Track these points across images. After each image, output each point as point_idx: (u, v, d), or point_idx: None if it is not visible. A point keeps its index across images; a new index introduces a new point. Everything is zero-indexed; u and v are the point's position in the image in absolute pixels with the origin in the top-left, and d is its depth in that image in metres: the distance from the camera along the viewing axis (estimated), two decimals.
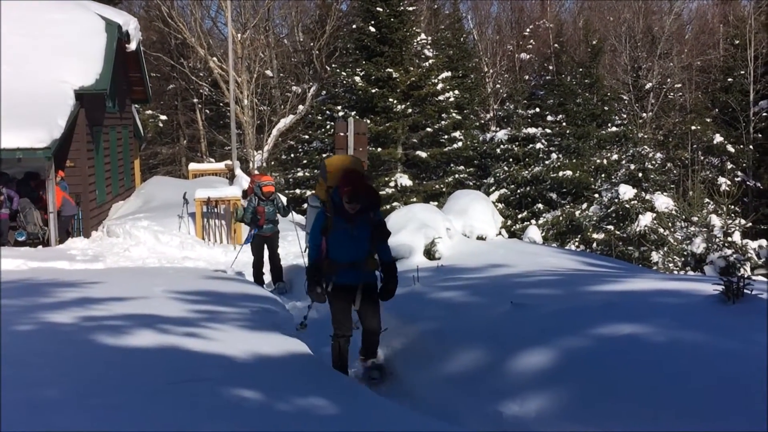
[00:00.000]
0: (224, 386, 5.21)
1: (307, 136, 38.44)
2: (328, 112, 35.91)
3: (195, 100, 43.32)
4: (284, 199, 15.63)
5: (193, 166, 30.17)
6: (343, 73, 34.62)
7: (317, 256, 6.98)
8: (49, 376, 5.08)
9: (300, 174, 35.93)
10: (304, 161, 37.02)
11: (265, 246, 14.12)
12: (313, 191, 6.62)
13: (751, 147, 36.85)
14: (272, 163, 38.64)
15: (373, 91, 32.86)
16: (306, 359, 6.94)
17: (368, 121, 29.60)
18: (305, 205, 19.70)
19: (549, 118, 37.72)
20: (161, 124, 44.27)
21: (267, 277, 14.52)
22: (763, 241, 25.76)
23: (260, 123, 37.85)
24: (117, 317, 7.45)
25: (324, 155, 34.87)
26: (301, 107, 38.29)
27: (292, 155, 40.00)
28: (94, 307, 8.02)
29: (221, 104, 41.10)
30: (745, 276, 7.24)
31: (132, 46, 22.67)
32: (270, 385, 5.49)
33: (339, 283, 7.03)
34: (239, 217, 14.20)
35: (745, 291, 6.63)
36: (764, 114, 37.08)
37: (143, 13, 41.59)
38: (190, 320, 7.66)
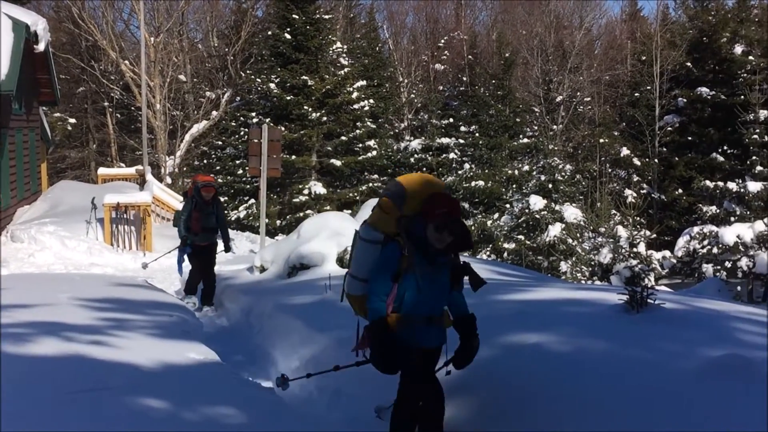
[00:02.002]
0: (129, 395, 5.11)
1: (220, 142, 38.06)
2: (242, 118, 35.63)
3: (106, 104, 42.45)
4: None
5: (102, 171, 29.53)
6: (258, 80, 34.41)
7: (383, 309, 5.02)
8: None
9: (212, 177, 35.47)
10: (218, 167, 36.64)
11: (199, 258, 12.34)
12: (366, 221, 4.30)
13: (656, 160, 37.87)
14: (184, 169, 38.14)
15: (288, 98, 32.72)
16: (215, 367, 6.85)
17: (282, 129, 29.42)
18: None
19: (462, 128, 38.17)
20: (70, 128, 43.20)
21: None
22: (666, 252, 26.54)
23: (173, 128, 37.31)
24: (20, 325, 7.25)
25: (238, 161, 34.61)
26: (214, 113, 37.89)
27: (205, 161, 39.55)
28: None
29: (133, 108, 40.36)
30: (649, 286, 7.42)
31: (40, 46, 22.09)
32: (177, 393, 5.41)
33: (414, 345, 5.15)
34: (175, 221, 13.09)
35: (649, 300, 6.80)
36: (669, 128, 38.16)
37: (53, 13, 40.58)
38: (96, 328, 7.50)
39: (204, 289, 12.45)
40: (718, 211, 24.27)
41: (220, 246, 12.85)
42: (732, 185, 24.00)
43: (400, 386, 5.31)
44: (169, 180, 33.80)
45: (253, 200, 32.70)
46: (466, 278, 5.36)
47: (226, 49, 39.41)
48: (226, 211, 12.40)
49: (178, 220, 12.62)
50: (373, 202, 17.65)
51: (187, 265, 12.59)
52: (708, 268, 23.28)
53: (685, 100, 37.67)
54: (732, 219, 23.63)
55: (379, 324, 4.97)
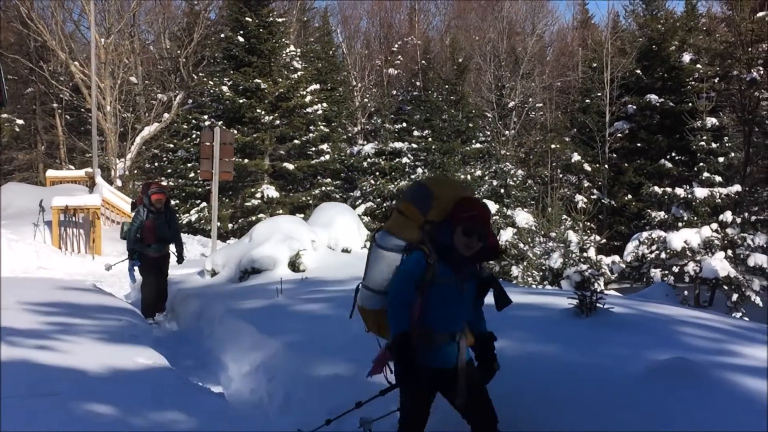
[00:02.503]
0: (76, 401, 5.05)
1: (172, 145, 37.70)
2: (194, 121, 35.36)
3: (55, 105, 41.86)
4: None
5: (51, 173, 29.09)
6: (211, 83, 34.15)
7: (407, 324, 4.49)
8: None
9: (164, 183, 35.21)
10: (169, 170, 36.31)
11: (152, 270, 11.78)
12: (382, 226, 5.03)
13: (606, 166, 38.25)
14: (135, 171, 37.71)
15: (241, 101, 32.54)
16: (164, 372, 6.78)
17: (235, 132, 29.28)
18: None
19: (415, 133, 38.25)
20: (17, 129, 42.51)
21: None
22: (616, 257, 26.81)
23: (123, 130, 36.88)
24: None
25: (189, 164, 34.35)
26: (166, 115, 37.54)
27: (157, 164, 39.18)
28: None
29: (83, 110, 39.81)
30: (599, 290, 7.52)
31: None
32: (124, 399, 5.34)
33: (434, 366, 4.67)
34: (123, 234, 12.07)
35: (598, 305, 6.88)
36: (619, 135, 38.59)
37: (0, 13, 39.93)
38: (42, 332, 7.39)
39: (156, 296, 11.97)
40: (666, 216, 24.54)
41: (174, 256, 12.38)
42: (680, 191, 24.31)
43: (404, 404, 4.83)
44: (119, 183, 33.39)
45: (204, 203, 32.46)
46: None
47: (179, 51, 39.09)
48: (177, 215, 11.53)
49: (126, 232, 11.85)
50: (327, 206, 17.64)
51: (140, 278, 12.01)
52: (656, 273, 23.60)
53: (634, 107, 38.11)
54: (680, 224, 23.91)
55: (406, 342, 4.43)
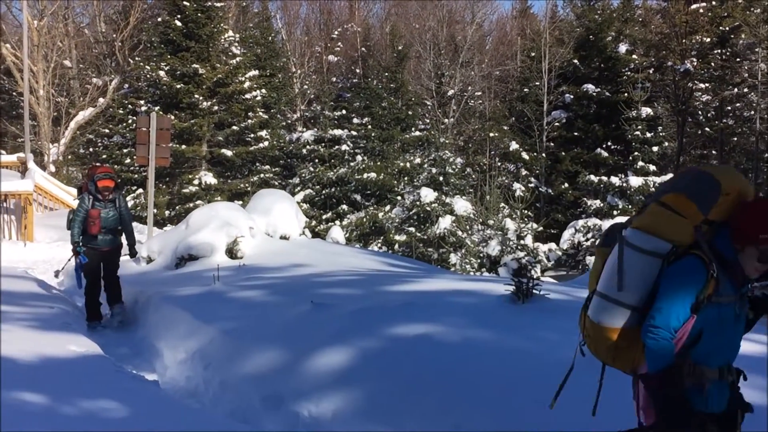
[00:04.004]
0: (6, 390, 4.93)
1: (107, 130, 37.10)
2: (130, 106, 34.83)
3: None
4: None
5: None
6: (147, 67, 33.64)
7: (672, 355, 3.43)
8: None
9: (110, 167, 34.59)
10: (104, 156, 35.71)
11: (101, 265, 10.32)
12: (635, 224, 3.58)
13: (543, 155, 38.68)
14: (69, 157, 37.01)
15: (178, 86, 32.12)
16: (96, 360, 6.69)
17: (172, 117, 28.88)
18: None
19: (355, 120, 38.25)
20: None
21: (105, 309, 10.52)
22: (552, 245, 27.22)
23: (57, 115, 36.12)
24: None
25: (126, 150, 33.84)
26: (101, 100, 36.86)
27: (92, 149, 38.50)
28: None
29: (14, 93, 38.92)
30: (535, 277, 7.59)
31: None
32: (55, 387, 5.24)
33: (714, 411, 3.56)
34: (67, 223, 10.48)
35: (534, 291, 6.97)
36: (556, 124, 39.04)
37: None
38: None
39: (107, 289, 10.40)
40: (601, 205, 24.99)
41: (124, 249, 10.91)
42: (615, 180, 24.75)
43: None
44: (52, 168, 32.73)
45: (141, 190, 32.00)
46: None
47: (114, 35, 38.37)
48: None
49: (71, 221, 10.30)
50: (265, 192, 17.54)
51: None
52: (591, 260, 23.97)
53: (572, 97, 38.58)
54: (615, 213, 24.36)
55: (676, 377, 3.40)
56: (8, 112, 41.73)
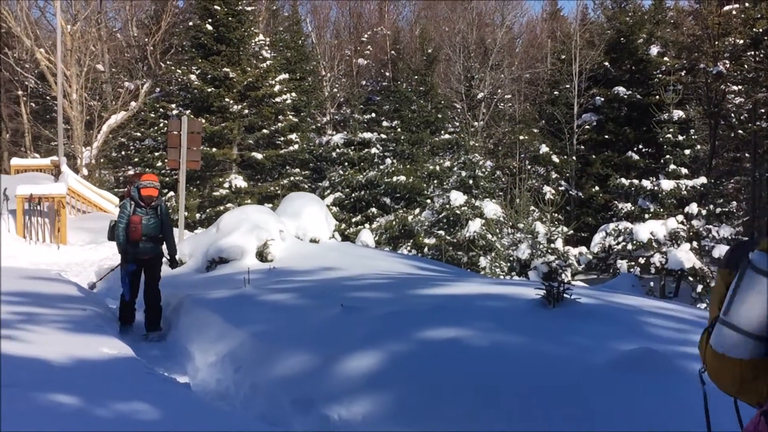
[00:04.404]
0: (39, 391, 4.98)
1: (139, 134, 37.45)
2: (161, 109, 35.12)
3: (20, 93, 41.31)
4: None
5: (15, 161, 28.73)
6: (179, 71, 33.91)
7: None
8: None
9: (131, 172, 34.94)
10: (136, 159, 36.04)
11: (142, 273, 10.11)
12: (762, 245, 2.38)
13: (574, 158, 38.48)
14: (101, 160, 37.37)
15: (209, 90, 32.34)
16: (128, 362, 6.73)
17: (203, 121, 29.09)
18: None
19: (384, 123, 38.29)
20: None
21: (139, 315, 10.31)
22: (583, 248, 27.05)
23: (90, 118, 36.51)
24: None
25: (157, 153, 34.14)
26: (133, 104, 37.20)
27: (123, 153, 38.86)
28: None
29: (48, 98, 39.41)
30: (566, 281, 7.55)
31: None
32: (89, 389, 5.29)
33: None
34: (110, 234, 10.30)
35: (565, 295, 6.92)
36: (586, 127, 38.82)
37: None
38: (5, 322, 7.30)
39: (147, 311, 10.04)
40: (632, 208, 24.77)
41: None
42: (646, 183, 24.52)
43: None
44: (85, 171, 33.07)
45: (172, 193, 32.23)
46: None
47: (146, 39, 38.71)
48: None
49: (113, 229, 10.11)
50: (295, 195, 17.59)
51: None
52: (623, 264, 23.83)
53: (602, 99, 38.38)
54: (646, 216, 24.15)
55: None
56: (42, 116, 42.25)
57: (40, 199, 19.33)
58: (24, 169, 27.19)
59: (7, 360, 5.84)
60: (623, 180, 25.70)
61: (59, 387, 5.19)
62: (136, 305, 10.15)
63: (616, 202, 26.44)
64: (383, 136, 36.27)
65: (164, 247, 10.41)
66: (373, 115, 39.83)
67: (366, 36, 52.13)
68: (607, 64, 39.14)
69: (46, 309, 8.45)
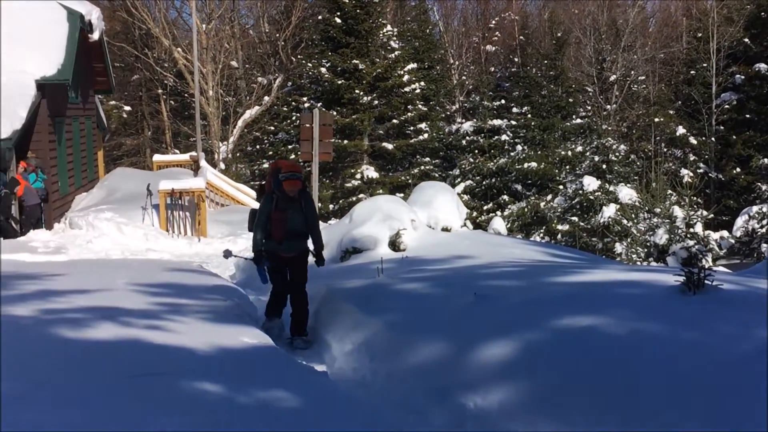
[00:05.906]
0: (184, 379, 5.16)
1: (272, 128, 38.35)
2: (293, 103, 35.84)
3: (159, 91, 42.96)
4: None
5: (157, 158, 29.87)
6: (309, 65, 34.51)
7: None
8: (3, 370, 4.99)
9: (266, 166, 35.79)
10: (270, 153, 36.90)
11: (287, 274, 9.24)
12: None
13: (713, 139, 37.24)
14: (237, 154, 38.46)
15: (339, 82, 32.78)
16: (269, 351, 6.89)
17: (334, 113, 29.53)
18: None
19: (514, 110, 37.94)
20: (125, 115, 43.87)
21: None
22: (724, 232, 26.12)
23: (225, 114, 37.65)
24: (78, 310, 7.35)
25: (290, 146, 34.85)
26: (266, 98, 38.13)
27: (258, 147, 39.89)
28: (54, 299, 7.91)
29: (186, 95, 40.83)
30: (707, 267, 7.29)
31: (95, 36, 22.41)
32: (231, 377, 5.44)
33: None
34: (249, 224, 9.49)
35: (706, 282, 6.67)
36: (726, 106, 37.47)
37: (106, 2, 41.10)
38: (151, 313, 7.58)
39: (294, 315, 9.19)
40: None
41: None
42: None
43: None
44: (222, 166, 34.13)
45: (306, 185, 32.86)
46: None
47: (277, 35, 39.57)
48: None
49: (253, 223, 9.25)
50: (426, 185, 17.63)
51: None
52: (767, 248, 22.89)
53: (743, 77, 36.95)
54: None
55: None
56: (181, 113, 43.76)
57: (181, 194, 20.03)
58: (165, 164, 28.20)
59: (154, 349, 6.08)
60: (766, 160, 24.66)
61: (204, 375, 5.36)
62: (287, 300, 9.36)
63: (759, 183, 25.43)
64: (513, 122, 35.94)
65: (309, 242, 9.46)
66: (503, 101, 39.51)
67: (494, 22, 51.73)
68: (747, 40, 37.60)
69: (189, 299, 8.73)
